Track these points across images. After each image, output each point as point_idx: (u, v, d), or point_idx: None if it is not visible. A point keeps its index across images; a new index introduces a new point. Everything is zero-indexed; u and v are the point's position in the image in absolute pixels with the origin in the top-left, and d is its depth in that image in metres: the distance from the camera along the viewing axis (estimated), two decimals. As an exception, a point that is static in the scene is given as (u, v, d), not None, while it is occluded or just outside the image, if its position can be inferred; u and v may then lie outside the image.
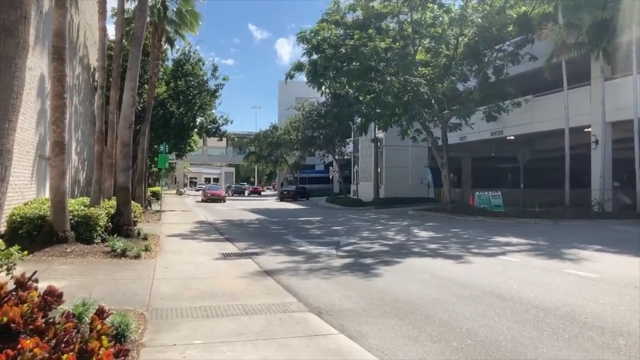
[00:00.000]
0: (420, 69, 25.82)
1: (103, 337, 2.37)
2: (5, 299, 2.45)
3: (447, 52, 26.16)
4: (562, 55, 22.17)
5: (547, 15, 23.25)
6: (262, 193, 70.17)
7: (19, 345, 1.91)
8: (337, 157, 48.09)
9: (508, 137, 29.58)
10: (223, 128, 34.84)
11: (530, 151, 26.09)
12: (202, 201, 41.83)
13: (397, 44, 26.17)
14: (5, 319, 2.12)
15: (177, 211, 28.18)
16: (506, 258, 11.16)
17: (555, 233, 16.52)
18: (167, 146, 26.42)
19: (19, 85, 3.93)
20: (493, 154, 33.80)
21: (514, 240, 14.52)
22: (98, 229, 11.63)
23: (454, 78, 25.76)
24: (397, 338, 5.44)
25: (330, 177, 53.61)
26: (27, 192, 13.07)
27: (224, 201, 42.31)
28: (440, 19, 26.06)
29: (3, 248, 5.54)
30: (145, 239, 12.84)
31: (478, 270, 9.65)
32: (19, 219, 10.59)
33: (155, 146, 29.73)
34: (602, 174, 22.55)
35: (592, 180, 23.64)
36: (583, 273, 9.07)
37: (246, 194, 68.11)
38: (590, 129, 23.56)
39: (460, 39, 25.96)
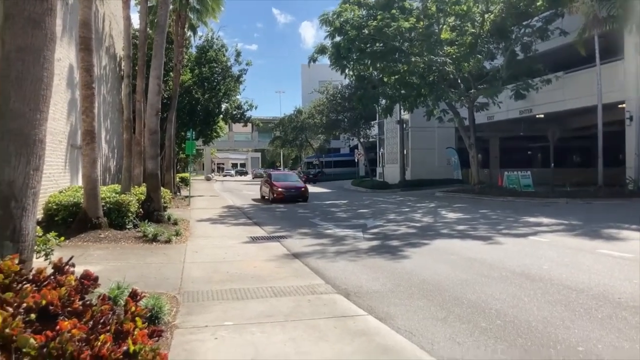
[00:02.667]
0: (445, 48, 25.28)
1: (137, 318, 2.45)
2: (45, 283, 2.55)
3: (473, 30, 25.49)
4: (594, 29, 21.35)
5: (579, -12, 22.35)
6: None
7: (58, 327, 2.00)
8: (362, 140, 47.82)
9: (537, 116, 28.84)
10: (248, 113, 35.05)
11: (560, 129, 25.42)
12: (273, 201, 23.73)
13: (421, 23, 25.66)
14: (44, 302, 2.21)
15: (205, 196, 28.62)
16: (536, 238, 10.98)
17: (588, 213, 16.14)
18: (193, 133, 26.74)
19: (48, 77, 4.02)
20: (522, 133, 33.06)
21: (545, 220, 14.25)
22: (129, 215, 11.91)
23: (480, 56, 25.16)
24: (425, 319, 5.45)
25: (356, 160, 53.40)
26: (61, 181, 13.47)
27: (307, 198, 24.36)
28: (466, -5, 25.39)
29: (41, 234, 5.73)
30: (175, 224, 13.11)
31: (507, 250, 9.53)
32: (54, 207, 10.95)
33: (182, 133, 30.12)
34: (637, 152, 21.81)
35: (626, 158, 22.88)
36: (617, 253, 8.85)
37: None
38: (624, 105, 22.74)
39: (486, 16, 25.26)
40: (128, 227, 11.62)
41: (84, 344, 1.97)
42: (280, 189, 23.66)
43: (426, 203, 22.24)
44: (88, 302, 2.60)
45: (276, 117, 68.34)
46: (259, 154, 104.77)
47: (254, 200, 26.12)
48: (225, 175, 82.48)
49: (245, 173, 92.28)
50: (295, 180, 26.55)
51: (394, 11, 24.87)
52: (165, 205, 15.37)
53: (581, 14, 21.72)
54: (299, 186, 24.69)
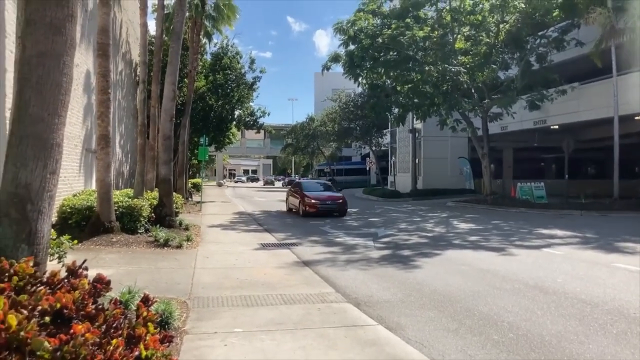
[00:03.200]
0: (459, 57, 25.22)
1: (149, 323, 2.45)
2: (59, 286, 2.57)
3: (488, 39, 25.41)
4: (611, 40, 21.16)
5: (595, -1, 22.19)
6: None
7: (72, 330, 2.00)
8: (374, 148, 47.74)
9: (552, 127, 28.57)
10: (260, 120, 35.27)
11: (574, 141, 25.16)
12: (304, 214, 19.76)
13: (436, 32, 25.64)
14: (58, 305, 2.22)
15: (217, 202, 28.74)
16: (550, 251, 10.84)
17: (603, 225, 15.90)
18: (206, 139, 26.95)
19: (67, 82, 4.08)
20: (535, 143, 32.76)
21: (559, 232, 14.07)
22: (142, 219, 11.99)
23: (494, 66, 25.05)
24: (436, 330, 5.39)
25: (367, 168, 53.29)
26: (75, 184, 13.61)
27: (345, 211, 20.50)
28: (481, 5, 25.35)
29: (54, 237, 5.80)
30: (186, 229, 13.17)
31: (521, 262, 9.42)
32: (68, 210, 11.07)
33: (195, 139, 30.35)
34: (653, 164, 21.50)
35: (642, 171, 22.56)
36: (633, 267, 8.70)
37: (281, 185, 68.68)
38: (640, 117, 22.46)
39: (501, 26, 25.17)
40: (140, 231, 11.70)
41: (96, 348, 1.97)
42: (313, 201, 19.75)
43: (438, 213, 22.09)
44: (100, 306, 2.61)
45: (288, 125, 68.62)
46: (270, 161, 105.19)
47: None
48: (236, 182, 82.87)
49: (257, 179, 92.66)
50: (329, 189, 22.50)
51: (408, 20, 24.88)
52: (177, 210, 15.47)
53: (598, 25, 21.55)
54: (335, 197, 20.69)
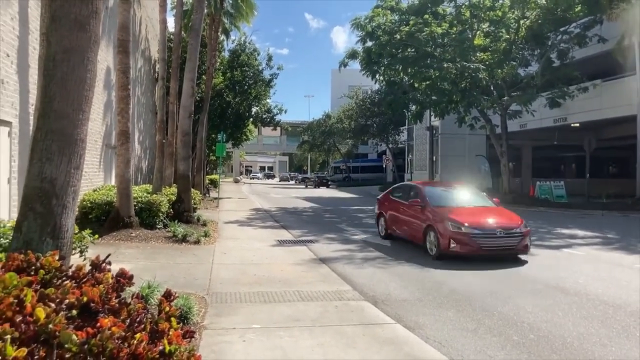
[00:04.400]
0: (478, 54, 24.90)
1: (172, 318, 2.47)
2: (84, 280, 2.60)
3: (507, 36, 25.05)
4: (635, 36, 20.71)
5: (619, -6, 21.73)
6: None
7: (98, 324, 2.03)
8: (390, 145, 47.55)
9: (572, 124, 28.08)
10: (277, 117, 35.36)
11: (596, 139, 24.69)
12: (446, 254, 9.40)
13: (454, 28, 25.37)
14: (85, 299, 2.25)
15: (233, 198, 28.91)
16: (571, 251, 10.67)
17: (625, 226, 15.60)
18: (224, 135, 27.11)
19: (91, 78, 4.13)
20: (555, 142, 32.23)
21: (580, 232, 13.84)
22: (160, 215, 12.11)
23: (514, 63, 24.69)
24: (455, 330, 5.34)
25: (384, 165, 53.12)
26: (95, 179, 13.82)
27: (527, 249, 9.53)
28: (501, 1, 25.03)
29: (76, 232, 5.88)
30: (204, 225, 13.26)
31: (540, 263, 9.28)
32: (89, 204, 11.24)
33: (213, 135, 30.55)
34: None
35: (666, 170, 22.05)
36: (656, 269, 8.52)
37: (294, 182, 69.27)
38: (665, 115, 21.95)
39: (521, 22, 24.79)
40: (158, 226, 11.81)
41: (121, 342, 1.99)
42: (468, 230, 9.43)
43: (455, 211, 21.88)
44: (124, 301, 2.64)
45: (305, 122, 68.64)
46: (286, 158, 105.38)
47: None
48: (252, 178, 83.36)
49: (273, 176, 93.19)
50: (486, 205, 11.19)
51: (426, 16, 24.67)
52: (195, 206, 15.58)
53: (621, 21, 21.11)
54: (510, 223, 9.84)
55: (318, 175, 62.67)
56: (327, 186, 52.54)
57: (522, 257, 9.54)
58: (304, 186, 55.35)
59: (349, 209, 23.32)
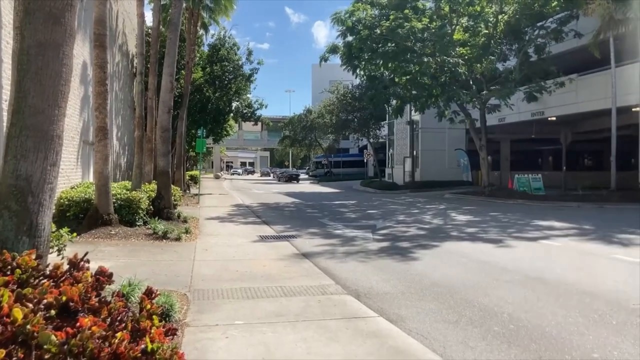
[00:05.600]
0: (457, 48, 25.14)
1: (154, 316, 2.44)
2: (62, 279, 2.55)
3: (486, 30, 25.32)
4: (610, 31, 21.13)
5: (594, -11, 22.12)
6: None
7: (78, 324, 1.99)
8: (371, 140, 47.71)
9: (549, 118, 28.57)
10: (258, 112, 35.14)
11: (572, 132, 25.18)
12: None
13: (434, 23, 25.53)
14: (64, 298, 2.20)
15: (214, 194, 28.70)
16: (549, 242, 10.88)
17: (601, 217, 15.96)
18: (204, 131, 26.85)
19: (67, 72, 4.04)
20: (533, 135, 32.80)
21: (557, 224, 14.12)
22: (140, 212, 11.96)
23: (493, 57, 24.98)
24: (437, 322, 5.40)
25: (365, 160, 53.32)
26: (73, 177, 13.56)
27: None
28: (479, -4, 25.25)
29: (54, 230, 5.77)
30: (185, 221, 13.15)
31: (519, 254, 9.45)
32: (66, 202, 11.03)
33: (193, 131, 30.24)
34: (651, 156, 21.55)
35: (640, 162, 22.62)
36: (631, 258, 8.74)
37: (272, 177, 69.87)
38: (638, 109, 22.46)
39: (500, 16, 25.08)
40: (138, 224, 11.67)
41: (102, 342, 1.96)
42: None
43: (435, 205, 22.13)
44: (104, 299, 2.60)
45: (286, 117, 68.43)
46: (267, 153, 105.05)
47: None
48: (232, 174, 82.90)
49: (253, 172, 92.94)
50: None
51: (407, 11, 24.75)
52: (175, 202, 15.42)
53: (597, 16, 21.52)
54: None
55: (287, 171, 67.55)
56: (297, 181, 55.64)
57: (503, 248, 9.69)
58: (276, 180, 59.24)
59: (331, 203, 23.37)
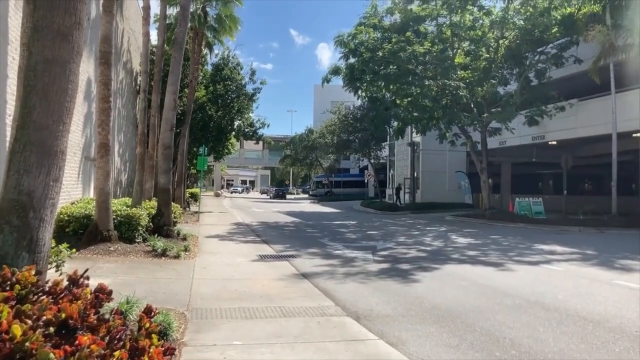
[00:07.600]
0: (459, 72, 25.38)
1: (153, 335, 2.41)
2: (61, 295, 2.53)
3: (487, 55, 25.62)
4: (610, 57, 21.36)
5: (594, 16, 22.45)
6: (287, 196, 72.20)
7: (77, 342, 1.96)
8: (372, 160, 47.78)
9: (550, 142, 28.71)
10: (260, 131, 35.27)
11: (572, 157, 25.25)
12: None
13: (436, 47, 25.81)
14: (63, 315, 2.18)
15: (214, 212, 28.63)
16: (550, 267, 10.80)
17: (602, 242, 15.88)
18: (205, 149, 26.94)
19: (72, 89, 4.07)
20: (534, 159, 32.88)
21: (558, 248, 14.04)
22: (140, 228, 11.92)
23: (494, 81, 25.21)
24: (438, 346, 5.33)
25: (365, 181, 53.33)
26: (73, 192, 13.55)
27: None
28: (481, 21, 25.61)
29: (53, 246, 5.73)
30: (184, 239, 13.08)
31: (521, 278, 9.38)
32: (66, 218, 11.00)
33: (194, 149, 30.33)
34: (651, 181, 21.57)
35: (641, 188, 22.64)
36: (634, 285, 8.66)
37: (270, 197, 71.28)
38: (639, 134, 22.57)
39: (501, 41, 25.39)
40: (137, 240, 11.61)
41: (100, 360, 1.93)
42: None
43: (436, 227, 22.05)
44: (102, 317, 2.57)
45: (287, 136, 68.80)
46: (268, 172, 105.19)
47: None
48: (232, 192, 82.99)
49: (249, 190, 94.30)
50: None
51: (408, 34, 25.06)
52: (175, 220, 15.37)
53: (597, 42, 21.77)
54: None
55: (276, 189, 75.25)
56: (285, 198, 62.81)
57: (504, 272, 9.62)
58: (266, 196, 66.89)
59: (331, 223, 23.30)
